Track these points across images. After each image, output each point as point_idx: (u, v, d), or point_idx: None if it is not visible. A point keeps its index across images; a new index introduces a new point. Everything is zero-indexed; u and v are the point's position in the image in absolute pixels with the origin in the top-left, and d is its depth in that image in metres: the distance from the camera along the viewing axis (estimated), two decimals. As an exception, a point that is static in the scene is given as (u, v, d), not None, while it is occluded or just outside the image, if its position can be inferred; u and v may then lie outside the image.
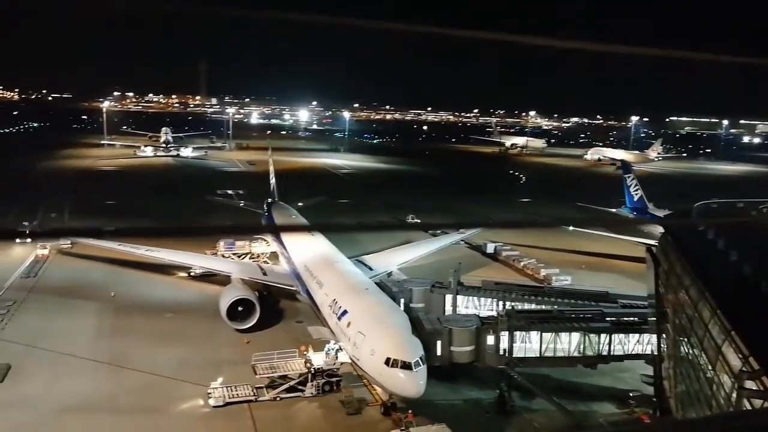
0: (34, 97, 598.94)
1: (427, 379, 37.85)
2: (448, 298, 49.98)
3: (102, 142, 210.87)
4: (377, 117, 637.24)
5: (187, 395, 42.05)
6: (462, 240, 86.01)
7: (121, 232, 77.65)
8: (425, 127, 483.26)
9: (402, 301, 49.07)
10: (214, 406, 40.52)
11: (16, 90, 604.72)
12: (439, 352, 42.00)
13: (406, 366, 37.40)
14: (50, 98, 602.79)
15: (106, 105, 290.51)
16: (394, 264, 65.86)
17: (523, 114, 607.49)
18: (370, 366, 39.43)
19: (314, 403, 42.14)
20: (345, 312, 44.52)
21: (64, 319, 54.87)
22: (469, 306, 49.98)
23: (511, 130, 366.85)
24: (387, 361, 37.71)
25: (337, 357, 43.27)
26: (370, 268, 61.92)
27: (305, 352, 44.19)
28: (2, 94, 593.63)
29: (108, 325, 54.09)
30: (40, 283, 64.73)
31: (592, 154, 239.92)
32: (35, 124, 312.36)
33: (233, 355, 48.39)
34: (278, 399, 41.97)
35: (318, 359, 43.49)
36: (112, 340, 50.98)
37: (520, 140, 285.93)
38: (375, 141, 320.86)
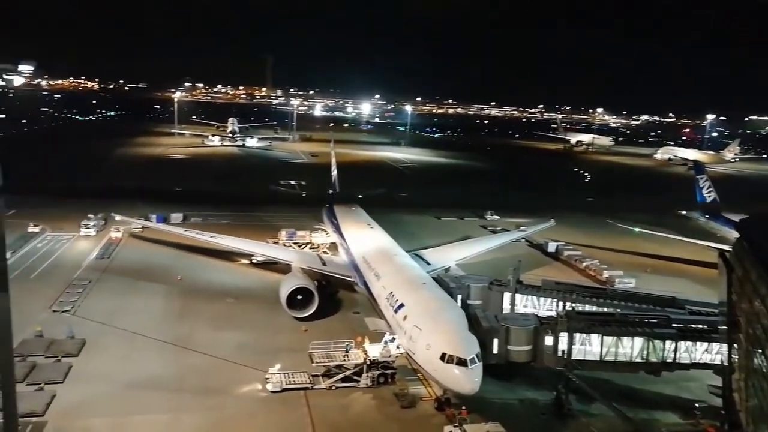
0: (112, 86, 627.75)
1: (483, 377, 37.51)
2: (507, 296, 49.24)
3: (173, 131, 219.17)
4: (439, 111, 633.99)
5: (247, 379, 43.26)
6: (522, 238, 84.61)
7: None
8: (486, 122, 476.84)
9: (459, 297, 48.74)
10: (272, 391, 41.53)
11: (96, 80, 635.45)
12: (495, 350, 41.50)
13: (461, 362, 37.18)
14: (126, 88, 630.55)
15: (177, 95, 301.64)
16: (452, 259, 65.49)
17: (590, 110, 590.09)
18: (426, 360, 39.41)
19: (368, 394, 42.51)
20: (402, 305, 44.65)
21: (134, 299, 57.47)
22: (527, 305, 49.09)
23: (577, 127, 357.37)
24: (442, 357, 37.59)
25: (393, 349, 43.50)
26: (428, 263, 61.81)
27: (361, 344, 44.63)
28: (84, 83, 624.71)
29: (174, 308, 56.29)
30: (113, 264, 68.00)
31: (663, 153, 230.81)
32: (113, 113, 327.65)
33: (291, 342, 49.41)
34: (333, 388, 42.58)
35: (373, 351, 43.85)
36: (177, 322, 53.04)
37: (585, 137, 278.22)
38: (436, 135, 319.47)
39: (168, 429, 36.68)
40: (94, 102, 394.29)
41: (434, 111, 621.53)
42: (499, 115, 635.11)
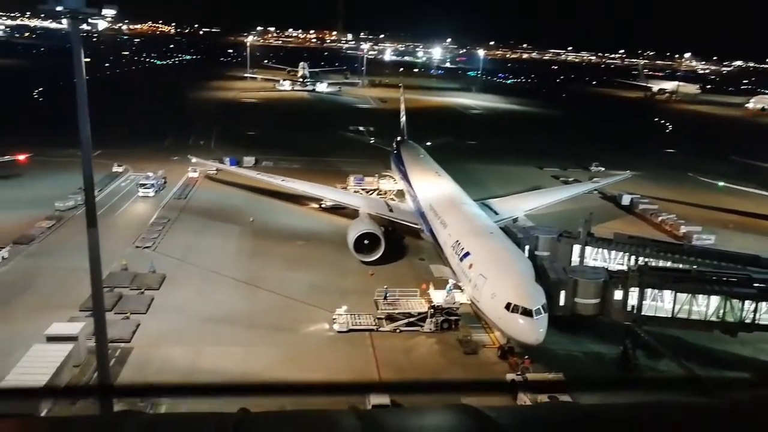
0: (187, 31, 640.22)
1: (548, 328, 37.32)
2: (576, 248, 48.22)
3: (245, 75, 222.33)
4: (513, 56, 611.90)
5: (314, 318, 44.88)
6: (596, 189, 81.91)
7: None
8: (562, 68, 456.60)
9: (527, 248, 48.11)
10: (339, 331, 42.97)
11: (173, 24, 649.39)
12: (562, 302, 41.04)
13: (526, 312, 37.04)
14: (201, 32, 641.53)
15: (249, 39, 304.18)
16: (520, 210, 64.45)
17: (676, 56, 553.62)
18: (490, 309, 39.51)
19: (432, 338, 43.27)
20: (467, 254, 44.60)
21: (210, 238, 60.10)
22: (597, 259, 47.98)
23: (660, 74, 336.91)
24: (507, 306, 37.55)
25: (458, 296, 43.86)
26: (496, 213, 61.14)
27: (426, 290, 45.17)
28: (161, 27, 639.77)
29: (246, 248, 58.53)
30: (190, 204, 71.01)
31: (756, 102, 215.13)
32: (187, 57, 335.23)
33: (357, 285, 50.63)
34: (398, 331, 43.58)
35: (438, 297, 44.34)
36: (249, 261, 55.23)
37: (669, 85, 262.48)
38: (509, 81, 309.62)
39: (242, 361, 38.78)
40: (171, 46, 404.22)
41: (508, 56, 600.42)
42: (576, 60, 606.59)
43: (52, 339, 36.83)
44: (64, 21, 27.97)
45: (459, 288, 45.05)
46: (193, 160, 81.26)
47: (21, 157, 71.93)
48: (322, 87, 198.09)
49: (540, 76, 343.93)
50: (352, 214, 64.23)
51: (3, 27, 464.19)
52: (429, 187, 63.72)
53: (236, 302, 47.00)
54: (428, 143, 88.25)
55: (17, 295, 45.44)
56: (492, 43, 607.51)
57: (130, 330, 41.01)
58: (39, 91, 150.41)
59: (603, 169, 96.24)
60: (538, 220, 62.08)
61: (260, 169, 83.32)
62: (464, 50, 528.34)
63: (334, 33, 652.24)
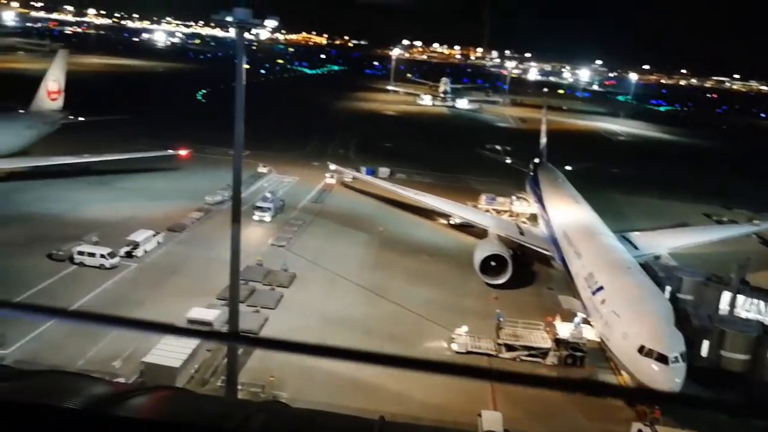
0: (338, 42, 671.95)
1: (686, 380, 34.04)
2: (726, 295, 43.76)
3: (388, 87, 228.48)
4: (669, 82, 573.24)
5: (432, 334, 44.56)
6: (755, 233, 73.98)
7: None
8: (715, 96, 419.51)
9: (668, 289, 44.51)
10: (456, 352, 42.27)
11: (325, 35, 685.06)
12: (704, 353, 37.42)
13: (661, 358, 34.09)
14: (350, 44, 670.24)
15: (395, 53, 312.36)
16: (664, 246, 59.76)
17: None
18: (621, 350, 36.89)
19: (554, 373, 41.19)
20: (601, 288, 42.07)
21: (340, 243, 62.04)
22: (750, 310, 43.22)
23: None
24: (641, 349, 34.81)
25: (586, 331, 41.48)
26: (636, 247, 57.17)
27: (552, 322, 43.18)
28: (314, 38, 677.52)
29: (373, 256, 59.66)
30: (325, 208, 73.89)
31: None
32: (336, 68, 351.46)
33: (480, 306, 49.60)
34: (518, 360, 42.01)
35: (564, 330, 42.20)
36: (374, 269, 56.20)
37: None
38: (662, 108, 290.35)
39: (358, 368, 39.35)
40: (322, 56, 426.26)
41: (663, 81, 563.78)
42: (743, 90, 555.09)
43: (191, 322, 39.80)
44: (232, 30, 30.28)
45: (588, 323, 42.58)
46: (332, 167, 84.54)
47: (182, 153, 79.00)
48: (462, 103, 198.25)
49: (698, 104, 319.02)
50: (480, 233, 63.23)
51: (179, 34, 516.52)
52: (564, 214, 61.14)
53: (358, 308, 47.94)
54: (567, 167, 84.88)
55: (167, 277, 49.79)
56: (646, 67, 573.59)
57: (259, 323, 43.26)
58: (203, 93, 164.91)
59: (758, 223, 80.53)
60: (683, 260, 57.14)
61: (394, 181, 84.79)
62: (614, 73, 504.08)
63: (479, 50, 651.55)
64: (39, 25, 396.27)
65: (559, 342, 41.92)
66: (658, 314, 37.97)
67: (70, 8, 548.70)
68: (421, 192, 72.87)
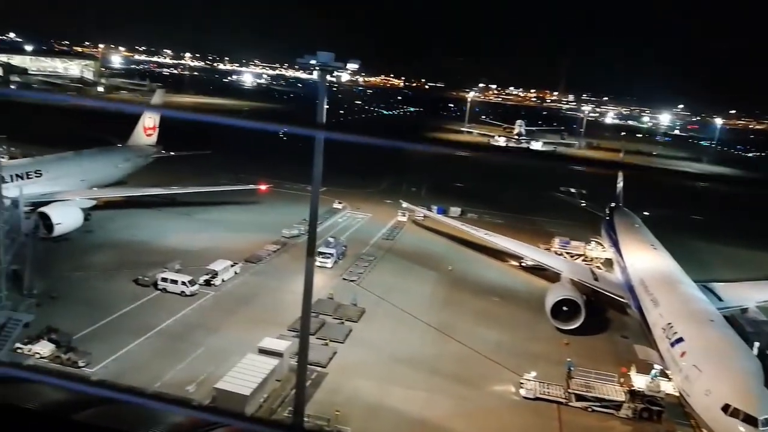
0: (414, 84, 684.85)
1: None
2: (824, 356, 40.62)
3: (462, 128, 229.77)
4: (759, 127, 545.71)
5: (500, 378, 43.71)
6: None
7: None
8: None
9: (756, 345, 41.73)
10: (524, 397, 41.25)
11: (402, 78, 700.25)
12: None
13: (749, 420, 31.97)
14: (427, 86, 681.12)
15: (470, 95, 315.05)
16: (751, 299, 56.33)
17: None
18: (703, 407, 34.88)
19: (628, 426, 39.37)
20: (680, 339, 40.14)
21: (409, 280, 62.33)
22: None
23: None
24: (725, 408, 32.82)
25: (664, 384, 39.55)
26: (720, 299, 54.20)
27: (627, 373, 41.48)
28: (392, 80, 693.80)
29: (441, 295, 59.50)
30: (395, 245, 74.62)
31: None
32: (411, 109, 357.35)
33: (550, 352, 48.30)
34: (590, 410, 40.46)
35: (640, 382, 40.41)
36: (442, 308, 56.00)
37: None
38: (750, 155, 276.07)
39: (423, 407, 39.12)
40: (398, 98, 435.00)
41: (751, 126, 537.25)
42: None
43: (262, 351, 40.98)
44: (315, 73, 31.96)
45: (666, 376, 40.61)
46: (404, 205, 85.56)
47: (263, 187, 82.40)
48: (536, 145, 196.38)
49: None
50: (552, 277, 61.91)
51: (265, 76, 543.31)
52: (642, 260, 59.02)
53: (425, 347, 47.80)
54: (645, 213, 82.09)
55: (242, 306, 51.62)
56: (733, 111, 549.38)
57: (328, 356, 43.91)
58: (284, 130, 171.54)
59: None
60: (773, 315, 53.64)
61: (465, 220, 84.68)
62: (697, 117, 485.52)
63: (555, 93, 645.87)
64: (141, 66, 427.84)
65: (634, 394, 40.12)
66: (746, 371, 35.76)
67: (169, 52, 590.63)
68: (492, 232, 72.39)
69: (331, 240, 67.55)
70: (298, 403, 32.70)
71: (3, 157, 46.52)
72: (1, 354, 36.85)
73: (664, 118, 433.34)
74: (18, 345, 39.20)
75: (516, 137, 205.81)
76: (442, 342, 49.10)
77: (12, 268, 45.25)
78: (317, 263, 58.57)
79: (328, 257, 63.44)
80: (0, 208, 41.75)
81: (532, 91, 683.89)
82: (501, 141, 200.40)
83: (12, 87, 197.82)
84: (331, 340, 46.51)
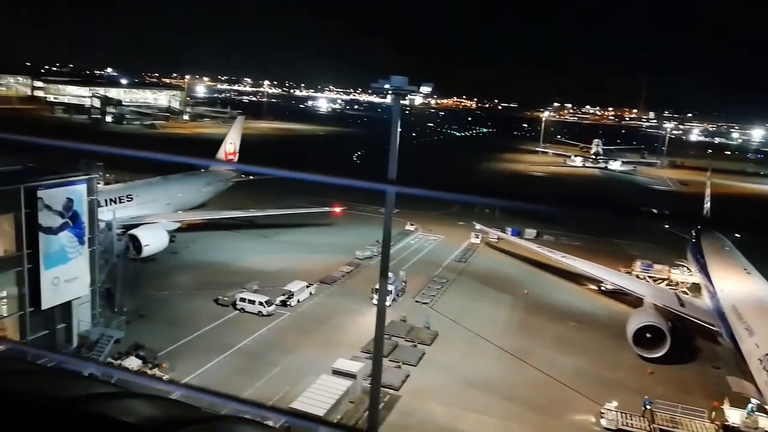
0: (487, 105, 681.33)
1: None
2: None
3: (537, 149, 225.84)
4: None
5: (578, 406, 42.04)
6: None
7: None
8: None
9: None
10: (605, 428, 39.46)
11: (474, 99, 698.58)
12: None
13: None
14: (500, 107, 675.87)
15: (545, 115, 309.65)
16: None
17: None
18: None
19: (720, 463, 36.84)
20: (779, 371, 37.29)
21: (483, 304, 61.37)
22: None
23: None
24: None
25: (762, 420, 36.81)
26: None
27: (719, 407, 38.92)
28: (464, 102, 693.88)
29: (516, 319, 58.17)
30: (468, 267, 73.81)
31: None
32: (484, 130, 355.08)
33: (632, 381, 46.09)
34: (676, 444, 38.19)
35: (735, 417, 37.79)
36: (517, 333, 54.69)
37: None
38: None
39: (499, 433, 38.16)
40: (470, 119, 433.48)
41: None
42: None
43: (336, 373, 41.37)
44: (389, 97, 32.48)
45: (765, 411, 37.78)
46: (477, 226, 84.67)
47: (337, 209, 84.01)
48: (615, 165, 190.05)
49: None
50: (634, 302, 59.30)
51: (339, 101, 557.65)
52: (733, 285, 55.48)
53: (500, 372, 46.75)
54: (737, 235, 77.33)
55: (316, 327, 52.45)
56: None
57: (400, 379, 43.76)
58: (358, 154, 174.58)
59: None
60: None
61: (540, 243, 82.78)
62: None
63: (634, 111, 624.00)
64: (223, 95, 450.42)
65: (728, 430, 37.54)
66: None
67: (248, 80, 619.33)
68: (570, 255, 70.31)
69: (390, 275, 58.77)
70: (371, 425, 32.71)
71: (99, 183, 49.82)
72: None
73: (756, 134, 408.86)
74: (109, 359, 41.45)
75: (593, 157, 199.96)
76: (517, 367, 47.88)
77: (105, 287, 48.25)
78: (373, 300, 55.38)
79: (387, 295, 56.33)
80: (96, 231, 44.68)
81: (609, 109, 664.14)
82: (577, 161, 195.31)
83: (108, 118, 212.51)
84: (404, 363, 46.36)
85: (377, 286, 56.60)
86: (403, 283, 63.28)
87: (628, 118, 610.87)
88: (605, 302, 64.44)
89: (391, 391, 41.80)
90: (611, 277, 65.95)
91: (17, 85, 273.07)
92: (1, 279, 38.14)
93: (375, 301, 52.86)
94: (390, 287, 57.25)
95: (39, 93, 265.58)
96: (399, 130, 32.86)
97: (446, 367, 46.71)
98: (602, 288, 66.92)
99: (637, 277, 68.93)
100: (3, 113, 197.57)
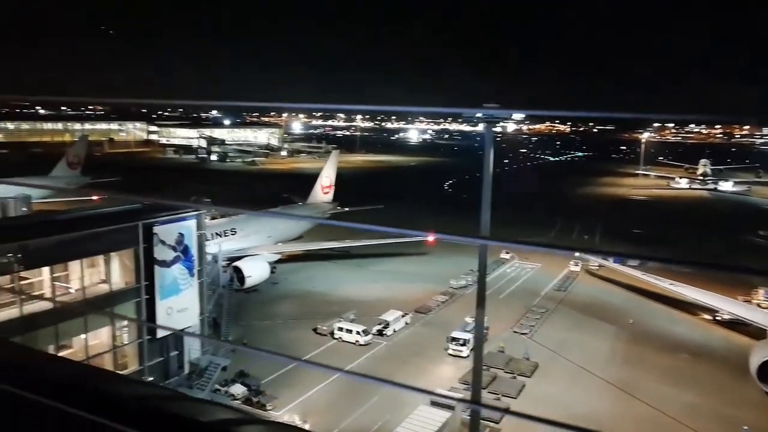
0: (581, 129, 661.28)
1: None
2: None
3: (637, 171, 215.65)
4: None
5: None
6: None
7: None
8: None
9: None
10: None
11: (568, 123, 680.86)
12: None
13: None
14: (595, 130, 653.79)
15: (644, 136, 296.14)
16: None
17: None
18: None
19: None
20: None
21: (584, 334, 58.91)
22: None
23: None
24: None
25: None
26: None
27: None
28: (557, 127, 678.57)
29: (621, 350, 55.30)
30: (568, 297, 71.23)
31: None
32: (580, 154, 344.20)
33: (757, 419, 42.31)
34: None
35: None
36: (623, 365, 51.91)
37: None
38: None
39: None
40: (561, 143, 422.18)
41: None
42: None
43: (434, 404, 41.00)
44: (480, 125, 32.56)
45: None
46: (577, 254, 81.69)
47: (430, 238, 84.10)
48: (726, 186, 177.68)
49: None
50: (756, 333, 54.69)
51: (430, 131, 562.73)
52: None
53: (605, 406, 44.47)
54: None
55: (412, 357, 52.42)
56: None
57: (500, 413, 42.60)
58: (450, 183, 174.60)
59: None
60: None
61: (645, 269, 78.44)
62: None
63: (746, 127, 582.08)
64: (318, 131, 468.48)
65: None
66: None
67: (341, 115, 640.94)
68: (679, 282, 66.12)
69: (468, 321, 55.98)
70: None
71: (206, 218, 53.08)
72: (204, 393, 41.17)
73: None
74: (217, 386, 43.51)
75: (701, 177, 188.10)
76: (624, 401, 45.35)
77: (212, 316, 50.97)
78: (450, 351, 52.75)
79: (463, 344, 52.15)
80: (204, 264, 47.50)
81: (717, 127, 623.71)
82: (683, 183, 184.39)
83: (213, 157, 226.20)
84: (503, 395, 45.22)
85: (453, 334, 53.79)
86: (485, 330, 51.52)
87: (738, 135, 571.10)
88: (721, 333, 59.95)
89: (491, 424, 40.80)
90: (728, 306, 61.20)
91: (135, 131, 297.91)
92: (123, 309, 41.23)
93: (450, 352, 52.35)
94: (467, 336, 52.44)
95: (153, 136, 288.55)
96: (492, 158, 32.73)
97: (548, 399, 45.04)
98: (717, 318, 62.33)
99: (759, 306, 63.57)
100: (123, 156, 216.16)
